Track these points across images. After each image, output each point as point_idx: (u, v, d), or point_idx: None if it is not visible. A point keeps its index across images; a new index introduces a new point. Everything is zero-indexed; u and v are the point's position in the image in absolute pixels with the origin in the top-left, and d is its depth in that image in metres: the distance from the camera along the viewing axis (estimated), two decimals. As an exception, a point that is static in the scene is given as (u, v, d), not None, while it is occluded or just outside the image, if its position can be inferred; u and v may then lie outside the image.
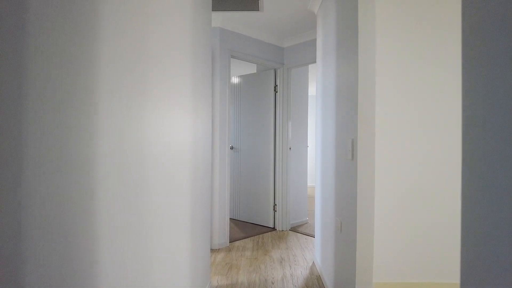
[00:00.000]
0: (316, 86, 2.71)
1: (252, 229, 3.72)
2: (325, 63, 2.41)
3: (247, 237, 3.42)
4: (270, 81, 3.78)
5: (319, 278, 2.44)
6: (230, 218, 4.19)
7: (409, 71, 1.32)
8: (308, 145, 4.64)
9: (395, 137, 1.36)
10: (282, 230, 3.71)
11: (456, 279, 1.34)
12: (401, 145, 1.35)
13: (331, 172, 2.14)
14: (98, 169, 0.93)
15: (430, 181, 1.34)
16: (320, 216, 2.51)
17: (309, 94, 7.03)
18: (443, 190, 1.33)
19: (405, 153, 1.35)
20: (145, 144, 1.30)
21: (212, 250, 3.05)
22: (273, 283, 2.34)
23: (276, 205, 3.76)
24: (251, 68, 4.84)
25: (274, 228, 3.78)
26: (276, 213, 3.75)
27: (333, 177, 2.08)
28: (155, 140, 1.39)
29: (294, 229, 3.76)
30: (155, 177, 1.38)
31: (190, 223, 1.83)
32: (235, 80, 4.14)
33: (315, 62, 3.45)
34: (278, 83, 3.73)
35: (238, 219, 4.10)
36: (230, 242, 3.26)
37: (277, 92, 3.74)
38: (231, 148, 4.18)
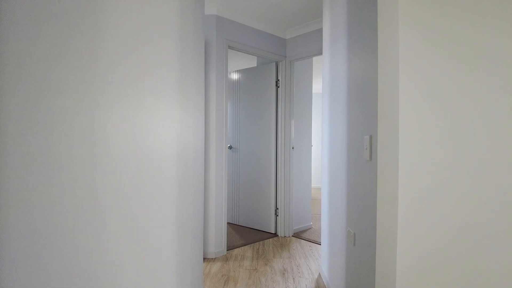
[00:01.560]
0: (323, 80, 2.43)
1: (252, 235, 3.45)
2: (333, 55, 2.13)
3: (247, 244, 3.15)
4: (271, 75, 3.50)
5: (326, 294, 2.17)
6: (228, 223, 3.91)
7: (439, 61, 1.05)
8: (312, 144, 4.36)
9: (423, 134, 1.08)
10: (285, 236, 3.44)
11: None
12: (432, 144, 1.08)
13: (341, 175, 1.86)
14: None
15: (470, 188, 1.06)
16: (328, 224, 2.24)
17: (313, 91, 6.75)
18: (485, 198, 1.06)
19: (439, 154, 1.08)
20: (100, 144, 1.03)
21: (207, 260, 2.77)
22: (274, 300, 2.07)
23: (278, 209, 3.49)
24: (251, 62, 4.57)
25: (275, 234, 3.50)
26: (278, 218, 3.48)
27: (344, 180, 1.81)
28: (118, 138, 1.11)
29: (298, 235, 3.49)
30: (116, 181, 1.11)
31: (177, 230, 1.56)
32: (234, 76, 3.87)
33: (320, 54, 3.17)
34: (280, 77, 3.45)
35: (237, 223, 3.82)
36: (227, 250, 2.99)
37: (278, 87, 3.47)
38: (230, 147, 3.91)
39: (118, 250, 1.24)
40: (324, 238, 2.36)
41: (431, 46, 1.04)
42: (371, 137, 1.35)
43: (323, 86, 2.41)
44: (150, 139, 1.38)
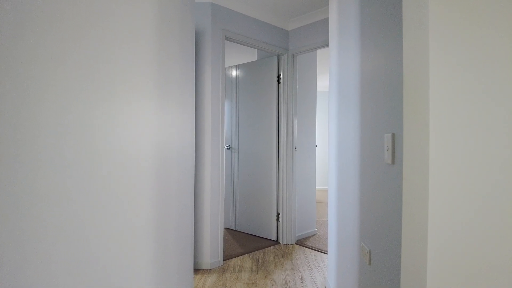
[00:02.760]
0: (330, 75, 2.17)
1: (251, 242, 3.19)
2: (342, 46, 1.87)
3: (246, 253, 2.89)
4: (272, 70, 3.25)
5: (334, 315, 1.90)
6: (226, 228, 3.66)
7: (479, 43, 0.79)
8: (316, 144, 4.10)
9: (458, 133, 0.83)
10: (287, 244, 3.18)
11: None
12: (470, 146, 0.82)
13: (352, 180, 1.60)
14: None
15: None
16: (335, 233, 1.98)
17: (317, 89, 6.49)
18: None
19: (479, 157, 0.82)
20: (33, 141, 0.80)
21: (201, 271, 2.52)
22: (275, 322, 1.81)
23: (279, 214, 3.23)
24: (251, 56, 4.31)
25: (277, 241, 3.25)
26: (280, 224, 3.22)
27: (356, 186, 1.55)
28: (82, 137, 0.88)
29: (301, 242, 3.23)
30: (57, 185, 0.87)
31: (155, 238, 1.31)
32: (233, 72, 3.62)
33: (325, 46, 2.91)
34: (281, 72, 3.20)
35: (236, 229, 3.57)
36: (224, 260, 2.73)
37: (280, 82, 3.21)
38: (228, 148, 3.66)
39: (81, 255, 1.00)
40: (332, 248, 2.10)
41: (469, 27, 0.78)
42: (393, 135, 1.09)
43: (330, 81, 2.15)
44: (117, 137, 1.14)
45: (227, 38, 2.70)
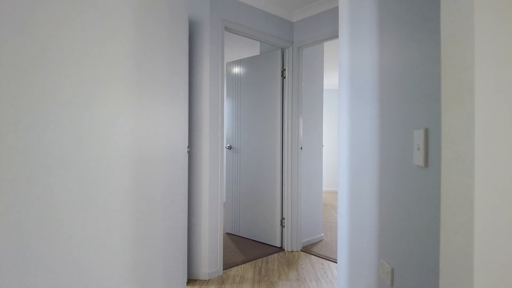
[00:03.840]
0: (340, 68, 1.95)
1: (254, 249, 2.98)
2: (355, 37, 1.66)
3: (247, 262, 2.68)
4: (276, 64, 3.03)
5: (346, 336, 1.68)
6: (227, 233, 3.45)
7: None
8: (323, 144, 3.88)
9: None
10: (292, 251, 2.96)
11: None
12: None
13: (369, 184, 1.38)
14: None
15: None
16: (347, 242, 1.76)
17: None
18: None
19: None
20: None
21: (198, 282, 2.31)
22: None
23: (284, 219, 3.01)
24: (254, 50, 4.10)
25: (281, 248, 3.03)
26: (284, 229, 3.00)
27: (374, 192, 1.33)
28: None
29: (307, 249, 3.01)
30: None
31: (134, 246, 1.12)
32: (234, 67, 3.42)
33: (333, 37, 2.69)
34: (286, 66, 2.98)
35: (237, 234, 3.36)
36: (224, 269, 2.53)
37: (285, 77, 3.00)
38: (229, 148, 3.46)
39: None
40: (342, 259, 1.88)
41: None
42: (426, 131, 0.87)
43: (340, 74, 1.93)
44: (82, 136, 0.95)
45: (227, 29, 2.50)
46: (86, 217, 1.06)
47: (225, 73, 3.93)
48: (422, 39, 0.92)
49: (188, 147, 2.21)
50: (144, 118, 1.26)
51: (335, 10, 2.68)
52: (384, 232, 1.22)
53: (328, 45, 3.99)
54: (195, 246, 2.40)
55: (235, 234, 3.39)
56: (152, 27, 1.30)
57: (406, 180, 1.01)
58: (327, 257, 2.79)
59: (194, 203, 2.42)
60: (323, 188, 6.56)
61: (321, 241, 3.25)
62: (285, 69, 2.99)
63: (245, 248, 2.98)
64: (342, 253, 1.87)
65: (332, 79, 5.88)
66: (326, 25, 2.74)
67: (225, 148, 3.37)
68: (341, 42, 1.94)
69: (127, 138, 1.17)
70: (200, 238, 2.37)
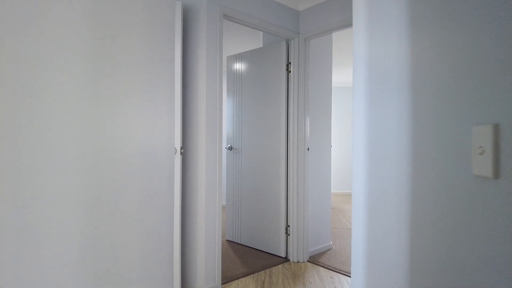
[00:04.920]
0: (355, 58, 1.68)
1: (256, 259, 2.73)
2: (375, 26, 1.40)
3: (249, 274, 2.43)
4: (280, 57, 2.78)
5: None
6: (228, 241, 3.21)
7: None
8: (332, 144, 3.61)
9: None
10: (298, 262, 2.70)
11: None
12: None
13: (396, 195, 1.12)
14: None
15: None
16: (364, 260, 1.50)
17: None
18: None
19: None
20: None
21: (194, 299, 2.07)
22: None
23: (289, 226, 2.76)
24: (256, 43, 3.85)
25: (286, 258, 2.77)
26: (289, 238, 2.75)
27: (403, 205, 1.07)
28: None
29: (314, 259, 2.75)
30: None
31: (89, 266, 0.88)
32: (235, 63, 3.17)
33: (344, 26, 2.43)
34: (291, 59, 2.73)
35: (239, 242, 3.11)
36: (223, 283, 2.28)
37: (290, 72, 2.74)
38: (229, 148, 3.21)
39: None
40: (358, 277, 1.61)
41: None
42: (496, 128, 0.61)
43: (355, 66, 1.66)
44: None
45: (225, 17, 2.25)
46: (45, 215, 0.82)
47: (225, 69, 3.69)
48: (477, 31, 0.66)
49: (182, 148, 1.97)
50: (110, 114, 1.02)
51: (346, -4, 2.42)
52: (418, 261, 0.96)
53: (335, 40, 3.72)
54: (189, 256, 2.16)
55: (236, 241, 3.14)
56: (121, 13, 1.06)
57: (459, 197, 0.75)
58: (336, 269, 2.53)
59: (188, 208, 2.18)
60: (333, 191, 6.30)
61: (329, 250, 2.99)
62: (290, 63, 2.74)
63: (246, 258, 2.73)
64: (358, 263, 1.60)
65: (339, 76, 5.61)
66: (336, 14, 2.48)
67: (225, 149, 3.16)
68: (356, 30, 1.67)
69: (75, 133, 0.93)
70: (196, 247, 2.13)
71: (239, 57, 3.13)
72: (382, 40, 1.36)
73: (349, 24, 2.41)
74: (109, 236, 1.10)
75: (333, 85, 6.17)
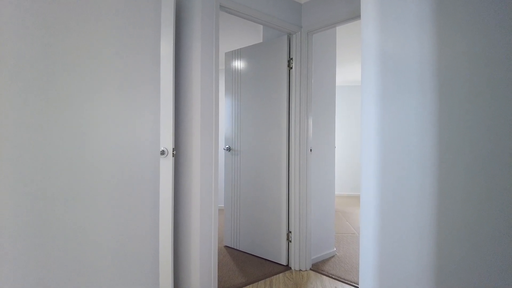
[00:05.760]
0: (364, 53, 1.51)
1: (256, 267, 2.57)
2: (389, 19, 1.24)
3: (248, 284, 2.27)
4: (281, 53, 2.62)
5: None
6: (226, 247, 3.05)
7: None
8: (335, 145, 3.46)
9: None
10: (300, 270, 2.54)
11: None
12: None
13: (418, 201, 0.96)
14: None
15: None
16: (375, 268, 1.34)
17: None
18: None
19: None
20: None
21: (188, 313, 1.91)
22: None
23: (290, 232, 2.59)
24: (256, 38, 3.70)
25: (287, 266, 2.61)
26: (291, 244, 2.58)
27: (427, 212, 0.91)
28: None
29: (317, 267, 2.58)
30: None
31: None
32: (234, 59, 3.01)
33: (350, 19, 2.27)
34: (293, 55, 2.57)
35: (237, 248, 2.95)
36: (219, 294, 2.12)
37: (291, 68, 2.59)
38: (228, 149, 3.05)
39: None
40: (367, 285, 1.44)
41: None
42: None
43: (364, 62, 1.50)
44: None
45: (222, 8, 2.10)
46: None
47: (223, 67, 3.51)
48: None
49: (174, 149, 1.82)
50: (59, 102, 0.86)
51: (352, -14, 2.26)
52: (444, 274, 0.80)
53: (338, 37, 3.56)
54: (182, 265, 2.00)
55: (235, 248, 2.98)
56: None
57: (503, 205, 0.59)
58: (341, 278, 2.36)
59: (182, 213, 2.02)
60: (337, 193, 6.12)
61: (333, 256, 2.83)
62: (292, 58, 2.58)
63: (245, 266, 2.57)
64: (366, 271, 1.44)
65: (343, 75, 5.44)
66: (341, 5, 2.32)
67: (223, 150, 3.00)
68: (365, 21, 1.51)
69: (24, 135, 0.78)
70: (190, 254, 1.97)
71: (237, 53, 2.97)
72: (398, 33, 1.20)
73: (355, 17, 2.25)
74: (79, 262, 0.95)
75: (337, 84, 6.01)
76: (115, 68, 1.64)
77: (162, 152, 1.73)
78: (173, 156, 1.76)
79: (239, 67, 2.97)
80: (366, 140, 1.41)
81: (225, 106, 3.12)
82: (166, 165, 1.75)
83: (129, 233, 1.72)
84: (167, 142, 1.75)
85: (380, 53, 1.33)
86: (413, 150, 1.00)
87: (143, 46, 1.81)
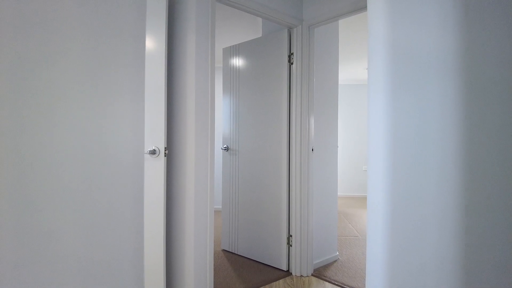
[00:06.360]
0: (371, 43, 1.39)
1: (254, 273, 2.44)
2: (402, 5, 1.13)
3: (245, 291, 2.15)
4: (282, 48, 2.50)
5: None
6: (223, 250, 2.92)
7: None
8: (337, 144, 3.34)
9: None
10: (301, 276, 2.42)
11: None
12: None
13: (439, 206, 0.84)
14: None
15: None
16: (384, 280, 1.21)
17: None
18: None
19: None
20: None
21: (181, 323, 1.78)
22: None
23: (291, 236, 2.47)
24: (255, 33, 3.58)
25: (288, 271, 2.49)
26: (292, 249, 2.46)
27: (450, 218, 0.79)
28: None
29: (320, 273, 2.46)
30: None
31: None
32: (232, 55, 2.89)
33: (357, 10, 2.15)
34: (294, 49, 2.45)
35: (235, 252, 2.83)
36: (215, 302, 2.00)
37: (292, 63, 2.47)
38: (226, 149, 2.93)
39: None
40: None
41: None
42: None
43: (371, 51, 1.38)
44: None
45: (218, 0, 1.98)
46: None
47: (220, 64, 3.39)
48: None
49: (166, 148, 1.70)
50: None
51: (356, -24, 2.14)
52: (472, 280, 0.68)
53: (339, 34, 3.44)
54: (175, 270, 1.88)
55: (233, 252, 2.85)
56: None
57: None
58: (345, 284, 2.24)
59: (174, 216, 1.90)
60: (340, 194, 6.00)
61: (335, 261, 2.70)
62: (292, 53, 2.46)
63: (243, 272, 2.45)
64: (374, 275, 1.31)
65: (346, 73, 5.32)
66: (344, -3, 2.20)
67: (221, 149, 2.90)
68: (373, 7, 1.39)
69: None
70: (184, 259, 1.85)
71: (236, 48, 2.86)
72: (414, 20, 1.08)
73: (360, 8, 2.13)
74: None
75: (339, 82, 5.89)
76: (82, 45, 1.52)
77: (153, 152, 1.61)
78: (165, 156, 1.64)
79: (237, 63, 2.85)
80: (373, 135, 1.28)
81: (222, 104, 3.00)
82: (158, 166, 1.63)
83: (101, 241, 1.61)
84: (158, 140, 1.63)
85: (390, 42, 1.20)
86: (431, 150, 0.88)
87: (119, 32, 1.69)
